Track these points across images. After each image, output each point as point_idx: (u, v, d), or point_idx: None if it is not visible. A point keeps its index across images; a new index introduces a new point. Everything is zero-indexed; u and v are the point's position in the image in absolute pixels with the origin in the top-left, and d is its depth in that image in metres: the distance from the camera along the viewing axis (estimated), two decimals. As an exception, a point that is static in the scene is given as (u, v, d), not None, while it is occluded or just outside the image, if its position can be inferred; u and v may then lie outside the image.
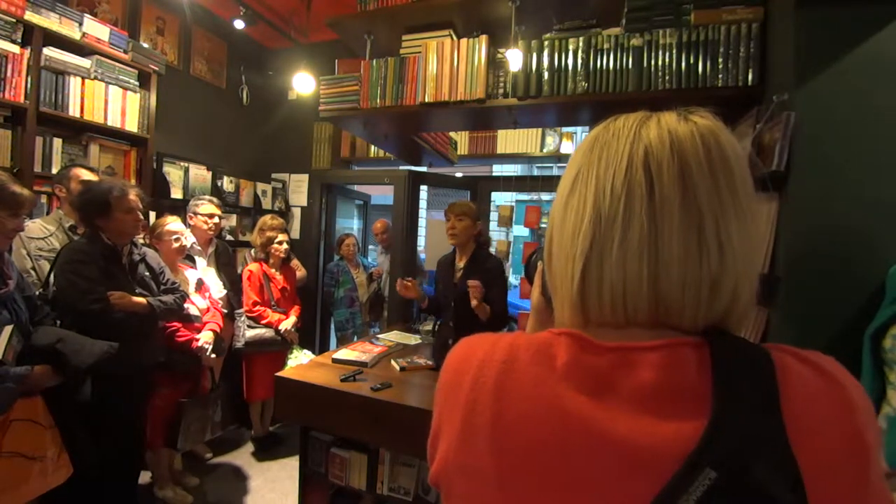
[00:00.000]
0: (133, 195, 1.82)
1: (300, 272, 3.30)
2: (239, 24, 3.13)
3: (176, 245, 2.28)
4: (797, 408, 0.32)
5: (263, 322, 2.81)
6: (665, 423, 0.33)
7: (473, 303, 1.98)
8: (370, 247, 4.83)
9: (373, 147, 3.67)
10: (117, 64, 2.44)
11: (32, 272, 1.81)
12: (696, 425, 0.32)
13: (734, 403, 0.32)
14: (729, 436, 0.31)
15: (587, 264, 0.39)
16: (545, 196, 3.84)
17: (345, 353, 2.09)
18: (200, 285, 2.44)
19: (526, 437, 0.36)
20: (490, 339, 0.43)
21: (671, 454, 0.32)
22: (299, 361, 2.73)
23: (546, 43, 1.73)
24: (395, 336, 2.59)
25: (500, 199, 4.04)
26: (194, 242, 2.60)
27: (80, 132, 2.34)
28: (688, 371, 0.35)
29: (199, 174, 3.05)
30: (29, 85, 2.08)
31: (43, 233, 1.90)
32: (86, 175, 2.01)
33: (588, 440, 0.34)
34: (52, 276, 1.73)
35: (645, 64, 1.59)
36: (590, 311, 0.40)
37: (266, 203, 3.64)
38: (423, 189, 3.63)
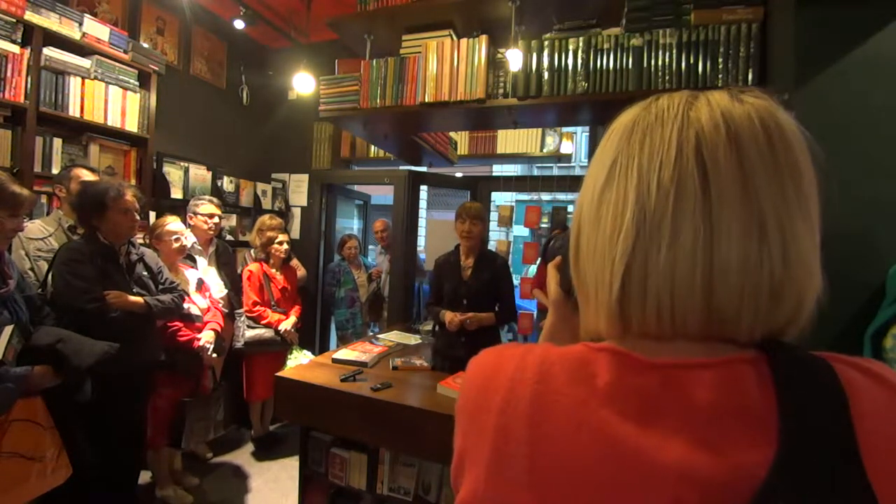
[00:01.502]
0: (129, 196, 1.82)
1: (300, 272, 3.30)
2: (239, 24, 3.12)
3: (176, 245, 2.28)
4: (868, 428, 0.29)
5: (263, 322, 2.81)
6: (725, 452, 0.29)
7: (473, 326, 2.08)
8: (370, 246, 4.83)
9: (373, 147, 3.67)
10: (117, 64, 2.44)
11: (31, 273, 1.81)
12: (762, 454, 0.29)
13: (804, 429, 0.29)
14: (802, 468, 0.28)
15: (629, 269, 0.35)
16: (545, 196, 3.84)
17: (345, 353, 2.09)
18: (201, 285, 2.44)
19: (569, 468, 0.32)
20: (517, 352, 0.39)
21: (735, 488, 0.28)
22: (299, 362, 2.73)
23: (546, 43, 1.73)
24: (395, 336, 2.59)
25: (500, 199, 4.04)
26: (195, 242, 2.60)
27: (80, 132, 2.34)
28: (747, 391, 0.31)
29: (199, 174, 3.04)
30: (29, 85, 2.07)
31: (42, 233, 1.90)
32: (86, 175, 2.01)
33: (638, 472, 0.30)
34: (49, 276, 1.73)
35: (645, 64, 1.59)
36: (630, 320, 0.36)
37: (266, 203, 3.64)
38: (423, 189, 3.62)
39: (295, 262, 3.29)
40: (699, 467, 0.29)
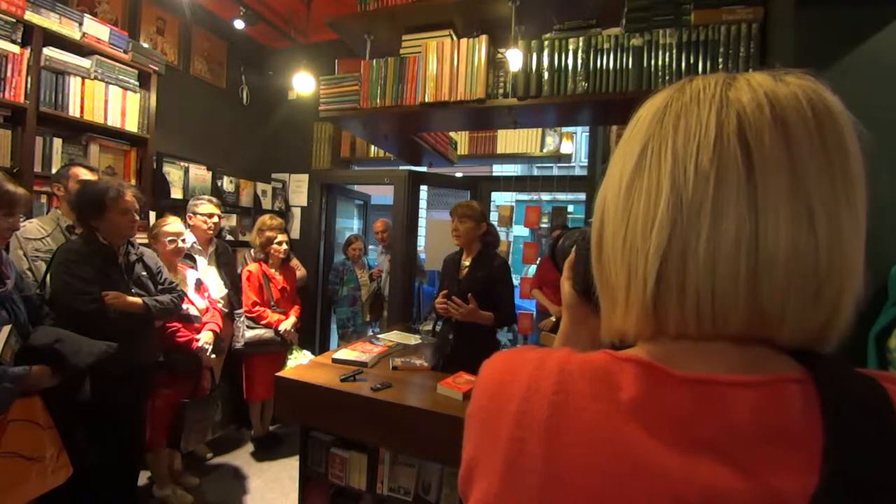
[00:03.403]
0: (129, 196, 1.82)
1: (300, 272, 3.31)
2: (239, 24, 3.13)
3: (174, 246, 2.27)
4: None
5: (263, 322, 2.81)
6: (762, 478, 0.27)
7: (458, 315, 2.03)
8: (370, 246, 4.85)
9: (373, 147, 3.68)
10: (117, 64, 2.44)
11: (29, 273, 1.81)
12: (803, 482, 0.26)
13: (849, 458, 0.27)
14: (844, 500, 0.26)
15: (665, 263, 0.32)
16: (545, 196, 3.84)
17: (345, 353, 2.08)
18: (199, 285, 2.44)
19: (587, 486, 0.30)
20: (533, 357, 0.36)
21: None
22: (299, 362, 2.73)
23: (546, 43, 1.73)
24: (395, 336, 2.59)
25: (500, 199, 4.05)
26: (195, 242, 2.60)
27: (80, 132, 2.34)
28: (791, 415, 0.29)
29: (199, 174, 3.04)
30: (29, 85, 2.07)
31: (40, 233, 1.89)
32: (84, 174, 2.00)
33: (664, 494, 0.28)
34: (48, 276, 1.72)
35: (645, 64, 1.59)
36: (667, 320, 0.33)
37: (266, 203, 3.64)
38: (423, 189, 3.63)
39: (295, 262, 3.29)
40: (732, 492, 0.27)
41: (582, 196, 3.56)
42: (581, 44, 1.68)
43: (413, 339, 2.56)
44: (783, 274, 0.29)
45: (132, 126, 2.53)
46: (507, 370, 0.37)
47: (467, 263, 2.21)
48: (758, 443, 0.28)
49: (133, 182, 2.53)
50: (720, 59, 1.50)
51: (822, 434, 0.28)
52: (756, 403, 0.29)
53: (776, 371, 0.31)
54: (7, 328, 1.38)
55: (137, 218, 1.87)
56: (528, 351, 0.38)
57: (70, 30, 2.24)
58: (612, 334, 0.38)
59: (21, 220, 1.56)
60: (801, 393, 0.29)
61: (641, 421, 0.30)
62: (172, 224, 2.29)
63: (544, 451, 0.32)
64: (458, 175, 4.21)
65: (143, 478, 2.27)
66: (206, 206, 2.61)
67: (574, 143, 3.98)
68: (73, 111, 2.26)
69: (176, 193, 2.86)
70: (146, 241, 2.31)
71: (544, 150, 3.53)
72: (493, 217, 3.43)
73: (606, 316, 0.38)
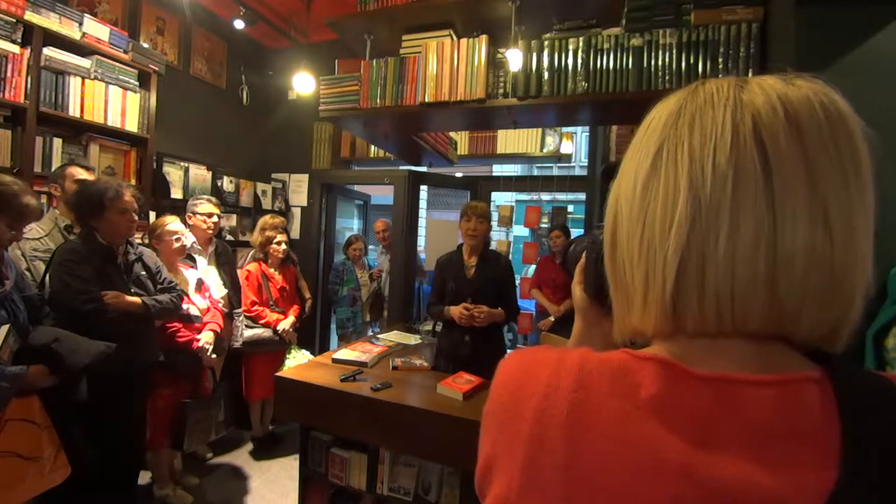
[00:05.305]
0: (128, 196, 1.82)
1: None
2: (239, 24, 3.13)
3: (176, 245, 2.27)
4: None
5: (262, 322, 2.81)
6: (782, 473, 0.28)
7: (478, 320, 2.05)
8: (370, 246, 4.86)
9: (373, 147, 3.68)
10: (117, 64, 2.44)
11: (28, 273, 1.80)
12: (823, 478, 0.27)
13: (868, 455, 0.27)
14: (864, 495, 0.27)
15: (683, 264, 0.32)
16: (545, 196, 3.84)
17: (345, 353, 2.08)
18: (200, 285, 2.44)
19: (609, 484, 0.30)
20: (552, 357, 0.37)
21: None
22: (297, 361, 2.73)
23: (546, 43, 1.73)
24: (395, 336, 2.59)
25: (500, 199, 4.05)
26: (195, 242, 2.60)
27: (80, 132, 2.34)
28: (809, 412, 0.30)
29: (199, 174, 3.04)
30: (29, 85, 2.07)
31: (38, 233, 1.88)
32: (81, 174, 2.00)
33: (685, 490, 0.28)
34: (47, 276, 1.72)
35: (645, 64, 1.59)
36: (685, 319, 0.33)
37: (266, 203, 3.64)
38: (423, 189, 3.63)
39: (302, 284, 3.27)
40: (753, 486, 0.28)
41: (582, 196, 3.56)
42: (581, 44, 1.68)
43: (413, 339, 2.56)
44: (801, 272, 0.30)
45: (132, 126, 2.53)
46: (526, 369, 0.37)
47: (473, 263, 2.22)
48: (777, 440, 0.29)
49: (133, 182, 2.53)
50: (720, 59, 1.50)
51: (839, 432, 0.28)
52: (776, 402, 0.30)
53: (794, 369, 0.32)
54: (5, 328, 1.38)
55: (136, 218, 1.87)
56: (545, 350, 0.38)
57: (70, 30, 2.24)
58: (627, 333, 0.38)
59: (22, 232, 1.56)
60: (818, 392, 0.30)
61: (661, 418, 0.31)
62: (173, 223, 2.29)
63: (565, 448, 0.32)
64: (458, 175, 4.21)
65: (144, 477, 2.27)
66: (205, 206, 2.61)
67: (574, 143, 3.99)
68: (73, 111, 2.26)
69: (176, 193, 2.86)
70: (142, 241, 2.31)
71: (544, 150, 3.53)
72: (493, 217, 3.43)
73: (621, 315, 0.39)
